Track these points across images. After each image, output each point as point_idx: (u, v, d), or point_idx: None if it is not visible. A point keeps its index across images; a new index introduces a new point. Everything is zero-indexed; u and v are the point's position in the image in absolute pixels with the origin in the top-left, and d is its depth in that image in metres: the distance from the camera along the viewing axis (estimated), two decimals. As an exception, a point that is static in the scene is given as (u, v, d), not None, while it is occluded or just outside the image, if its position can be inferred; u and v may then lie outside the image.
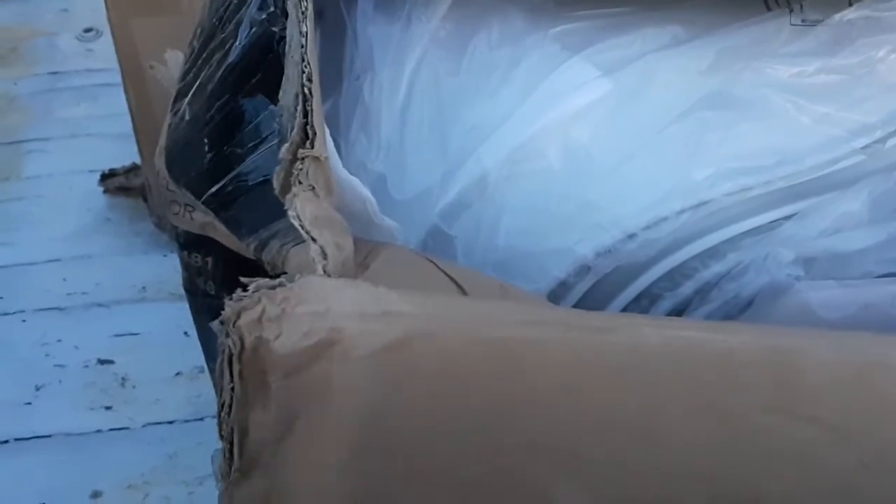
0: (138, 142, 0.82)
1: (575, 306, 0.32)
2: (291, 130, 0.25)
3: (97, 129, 1.00)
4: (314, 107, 0.25)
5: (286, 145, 0.24)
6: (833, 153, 0.33)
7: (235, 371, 0.23)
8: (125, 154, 0.92)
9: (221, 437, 0.25)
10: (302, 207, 0.23)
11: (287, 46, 0.27)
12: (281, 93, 0.26)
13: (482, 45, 0.34)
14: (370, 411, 0.22)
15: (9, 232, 0.92)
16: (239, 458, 0.24)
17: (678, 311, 0.32)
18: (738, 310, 0.32)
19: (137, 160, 0.88)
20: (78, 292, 0.86)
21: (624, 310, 0.32)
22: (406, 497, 0.22)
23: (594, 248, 0.31)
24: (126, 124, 0.84)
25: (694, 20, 0.35)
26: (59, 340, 0.80)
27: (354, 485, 0.22)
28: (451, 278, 0.27)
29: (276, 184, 0.24)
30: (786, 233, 0.32)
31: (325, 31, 0.37)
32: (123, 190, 0.92)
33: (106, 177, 0.93)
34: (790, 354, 0.22)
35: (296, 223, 0.23)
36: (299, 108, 0.25)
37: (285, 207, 0.23)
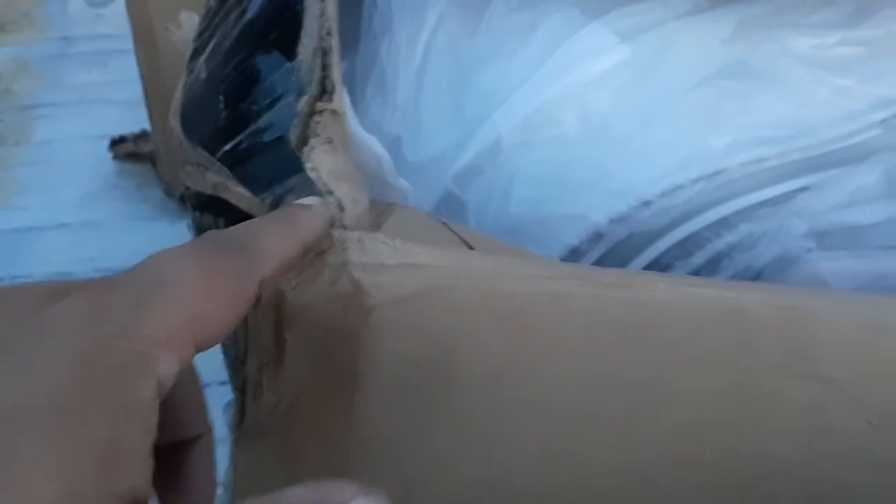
0: (149, 107, 0.82)
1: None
2: (310, 84, 0.24)
3: (107, 95, 1.00)
4: (333, 61, 0.25)
5: (304, 98, 0.24)
6: (850, 126, 0.33)
7: (250, 321, 0.23)
8: (135, 120, 0.92)
9: (234, 388, 0.26)
10: (319, 160, 0.23)
11: (307, 1, 0.27)
12: (300, 47, 0.26)
13: (501, 8, 0.34)
14: (385, 364, 0.22)
15: (18, 196, 0.92)
16: (252, 409, 0.24)
17: (690, 280, 0.32)
18: (749, 280, 0.32)
19: (147, 126, 0.88)
20: (85, 257, 0.86)
21: (635, 277, 0.32)
22: (418, 449, 0.22)
23: (608, 215, 0.31)
24: (136, 91, 0.84)
25: (715, -12, 0.34)
26: (67, 304, 0.80)
27: (365, 437, 0.22)
28: (463, 240, 0.27)
29: (293, 136, 0.24)
30: (800, 205, 0.32)
31: (343, -8, 0.36)
32: (132, 156, 0.93)
33: (115, 143, 0.93)
34: (803, 314, 0.22)
35: (313, 175, 0.23)
36: (318, 61, 0.25)
37: (302, 160, 0.23)
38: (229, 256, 0.18)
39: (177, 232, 0.91)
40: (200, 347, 0.17)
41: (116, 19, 1.02)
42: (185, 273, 0.17)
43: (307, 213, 0.21)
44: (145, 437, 0.15)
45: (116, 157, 0.93)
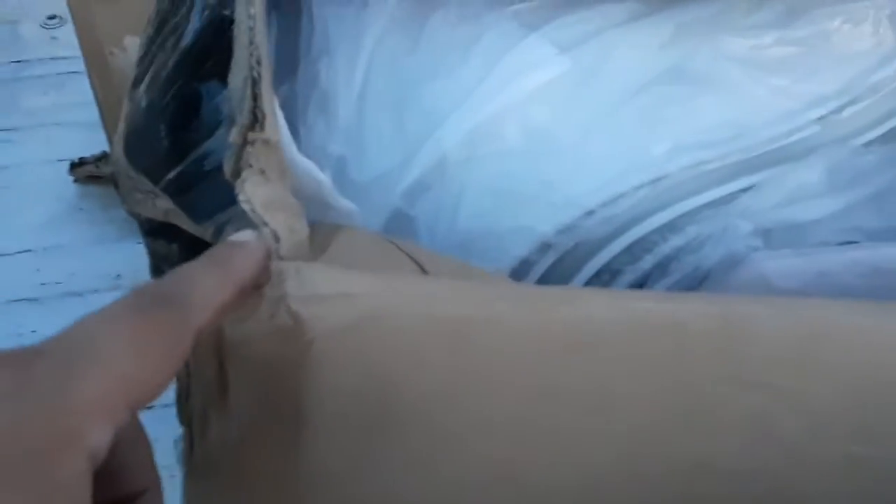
0: (106, 130, 0.81)
1: (537, 283, 0.32)
2: (241, 114, 0.24)
3: (65, 118, 0.99)
4: (264, 89, 0.24)
5: (235, 128, 0.24)
6: (789, 125, 0.33)
7: (190, 358, 0.23)
8: (95, 142, 0.90)
9: (182, 422, 0.25)
10: (253, 191, 0.23)
11: (236, 29, 0.26)
12: (230, 76, 0.26)
13: (440, 24, 0.34)
14: (327, 397, 0.22)
15: (-22, 224, 0.91)
16: (200, 444, 0.24)
17: (638, 285, 0.32)
18: (698, 282, 0.32)
19: (107, 148, 0.87)
20: (52, 282, 0.85)
21: (585, 285, 0.32)
22: (365, 481, 0.22)
23: (554, 226, 0.31)
24: (95, 112, 0.83)
25: (651, -5, 0.35)
26: (34, 331, 0.79)
27: (313, 471, 0.22)
28: (413, 259, 0.27)
29: (226, 168, 0.24)
30: (743, 205, 0.32)
31: (281, 14, 0.36)
32: (94, 178, 0.92)
33: (75, 166, 0.92)
34: (738, 322, 0.22)
35: (246, 207, 0.23)
36: (248, 91, 0.24)
37: (236, 191, 0.23)
38: (161, 312, 0.17)
39: (143, 252, 0.90)
40: (136, 409, 0.17)
41: (71, 41, 1.01)
42: (114, 336, 0.16)
43: (241, 253, 0.21)
44: None
45: (77, 179, 0.92)
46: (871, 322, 0.23)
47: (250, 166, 0.24)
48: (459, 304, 0.22)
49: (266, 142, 0.24)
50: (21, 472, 0.14)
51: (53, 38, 1.09)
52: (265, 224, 0.23)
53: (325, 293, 0.22)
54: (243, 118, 0.24)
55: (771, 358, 0.22)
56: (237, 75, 0.25)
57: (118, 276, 0.88)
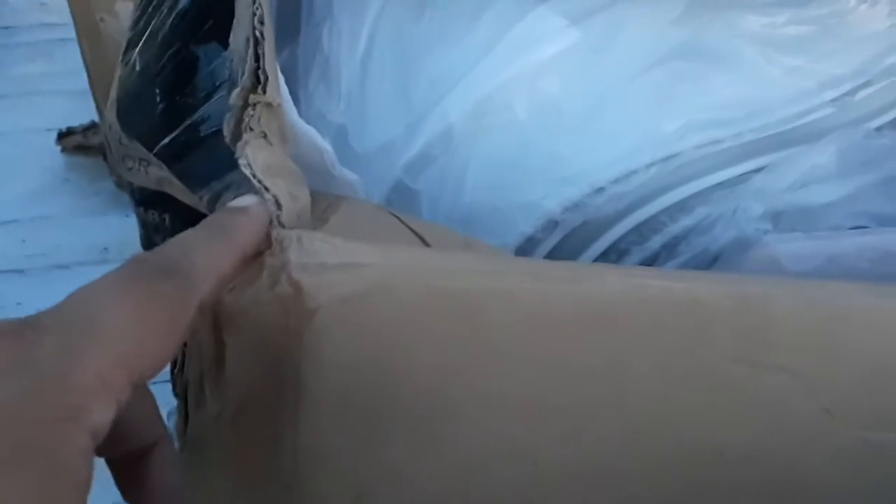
0: (95, 98, 0.79)
1: (541, 261, 0.31)
2: (242, 75, 0.23)
3: (53, 86, 0.97)
4: (266, 50, 0.23)
5: (236, 90, 0.23)
6: (802, 106, 0.33)
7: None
8: (83, 112, 0.89)
9: (176, 394, 0.25)
10: (254, 155, 0.22)
11: (238, -13, 0.25)
12: (231, 36, 0.25)
13: (446, -9, 0.33)
14: (329, 367, 0.21)
15: (-37, 193, 0.89)
16: (195, 417, 0.23)
17: (646, 266, 0.31)
18: (706, 263, 0.31)
19: (96, 118, 0.85)
20: (37, 254, 0.84)
21: (591, 264, 0.31)
22: (367, 456, 0.21)
23: (562, 203, 0.31)
24: (83, 81, 0.81)
25: (664, -33, 0.34)
26: (19, 303, 0.78)
27: (312, 445, 0.21)
28: (415, 232, 0.26)
29: (226, 131, 0.23)
30: (755, 186, 0.32)
31: (283, -23, 0.35)
32: (82, 149, 0.90)
33: (63, 135, 0.90)
34: (756, 303, 0.21)
35: (247, 172, 0.22)
36: (250, 51, 0.23)
37: (236, 156, 0.22)
38: (162, 283, 0.17)
39: (131, 225, 0.88)
40: (140, 383, 0.16)
41: (60, 8, 0.98)
42: (115, 309, 0.16)
43: (244, 219, 0.20)
44: (78, 492, 0.14)
45: (64, 150, 0.90)
46: (890, 306, 0.22)
47: (251, 130, 0.23)
48: (469, 277, 0.21)
49: (268, 105, 0.23)
50: (21, 451, 0.14)
51: (42, 4, 1.07)
52: (266, 190, 0.22)
53: (328, 262, 0.21)
54: (245, 80, 0.23)
55: (789, 340, 0.21)
56: (239, 35, 0.24)
57: (105, 248, 0.86)
